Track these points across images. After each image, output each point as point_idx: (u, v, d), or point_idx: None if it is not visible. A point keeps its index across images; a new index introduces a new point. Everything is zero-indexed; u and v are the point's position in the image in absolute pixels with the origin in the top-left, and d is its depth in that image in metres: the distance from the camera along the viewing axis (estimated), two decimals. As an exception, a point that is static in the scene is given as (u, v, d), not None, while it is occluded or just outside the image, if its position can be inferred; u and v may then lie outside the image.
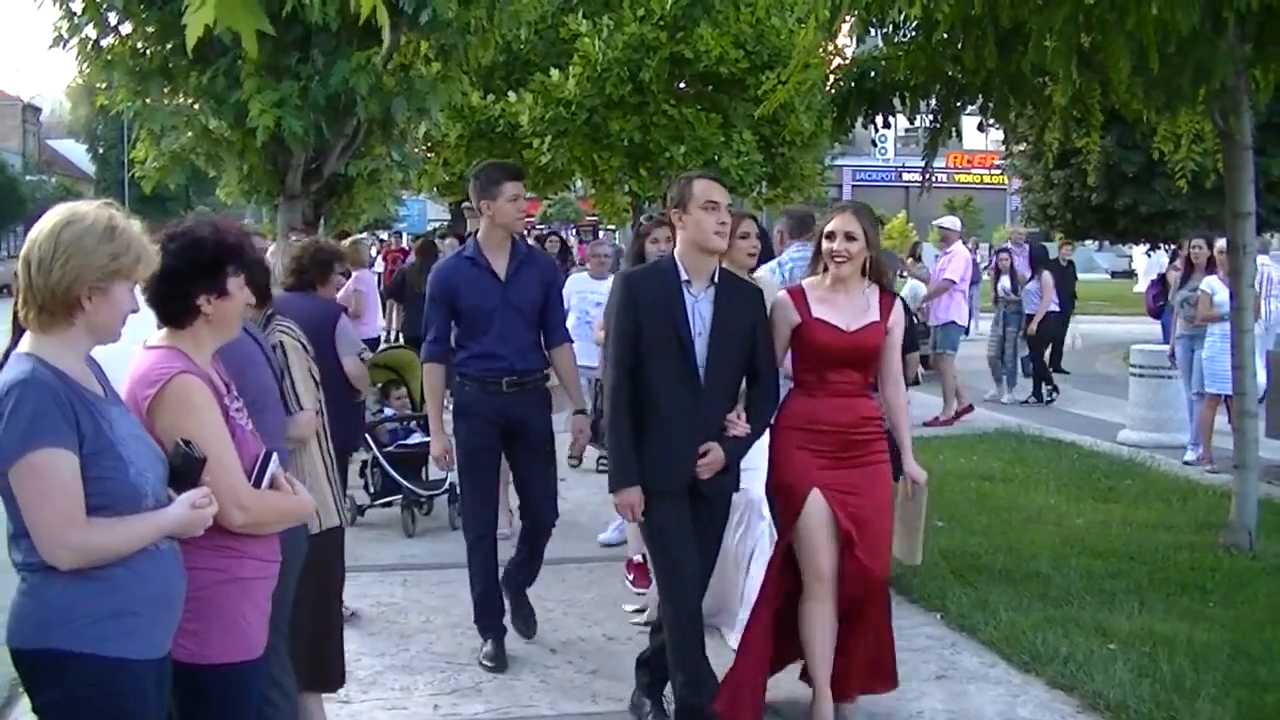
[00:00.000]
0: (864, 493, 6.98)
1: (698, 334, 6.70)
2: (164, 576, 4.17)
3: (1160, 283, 23.32)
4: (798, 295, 7.13)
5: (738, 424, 6.79)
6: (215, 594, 4.50)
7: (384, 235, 51.15)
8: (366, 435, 11.78)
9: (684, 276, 6.75)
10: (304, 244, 9.18)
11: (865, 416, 7.06)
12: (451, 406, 8.57)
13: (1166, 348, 17.09)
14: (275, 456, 4.67)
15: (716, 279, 6.81)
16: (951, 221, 21.59)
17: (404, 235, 53.01)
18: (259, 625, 4.73)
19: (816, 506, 6.94)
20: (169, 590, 4.21)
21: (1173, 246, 30.00)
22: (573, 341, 8.88)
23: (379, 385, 12.78)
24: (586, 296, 13.52)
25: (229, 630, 4.58)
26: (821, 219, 7.33)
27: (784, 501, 7.19)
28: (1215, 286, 14.19)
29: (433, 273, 8.58)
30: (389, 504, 12.16)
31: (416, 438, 12.46)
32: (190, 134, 16.29)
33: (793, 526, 7.06)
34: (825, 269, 7.13)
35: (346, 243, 17.21)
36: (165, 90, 15.81)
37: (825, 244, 7.09)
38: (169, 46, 14.66)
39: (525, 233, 41.06)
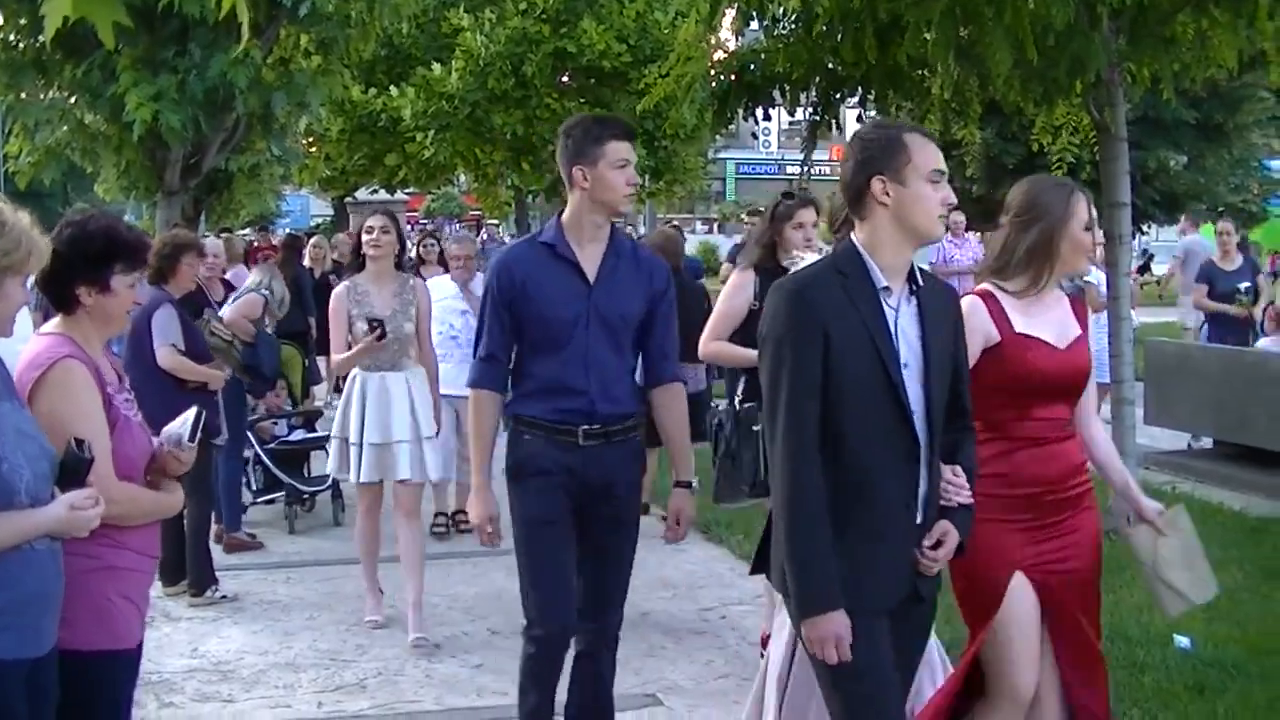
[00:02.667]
0: (1077, 566, 5.35)
1: (904, 365, 4.53)
2: (37, 576, 4.10)
3: None
4: (991, 301, 5.32)
5: (959, 486, 4.69)
6: (88, 581, 4.45)
7: (260, 233, 50.74)
8: (248, 432, 11.69)
9: (880, 280, 4.52)
10: (160, 238, 9.61)
11: (1077, 464, 5.40)
12: (506, 460, 6.10)
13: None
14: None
15: (918, 279, 4.64)
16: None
17: (281, 231, 52.59)
18: (131, 617, 4.70)
19: (1021, 599, 5.25)
20: (43, 590, 4.14)
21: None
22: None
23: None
24: (448, 305, 11.46)
25: (100, 618, 4.54)
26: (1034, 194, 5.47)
27: (974, 593, 5.34)
28: (1100, 277, 14.34)
29: (495, 261, 6.23)
30: (271, 501, 12.06)
31: (299, 434, 12.37)
32: (65, 128, 16.10)
33: (987, 627, 5.27)
34: (1020, 263, 5.39)
35: (222, 238, 17.05)
36: (39, 83, 15.61)
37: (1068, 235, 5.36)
38: (42, 39, 14.43)
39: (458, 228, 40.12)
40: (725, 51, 12.92)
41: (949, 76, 10.52)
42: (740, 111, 12.41)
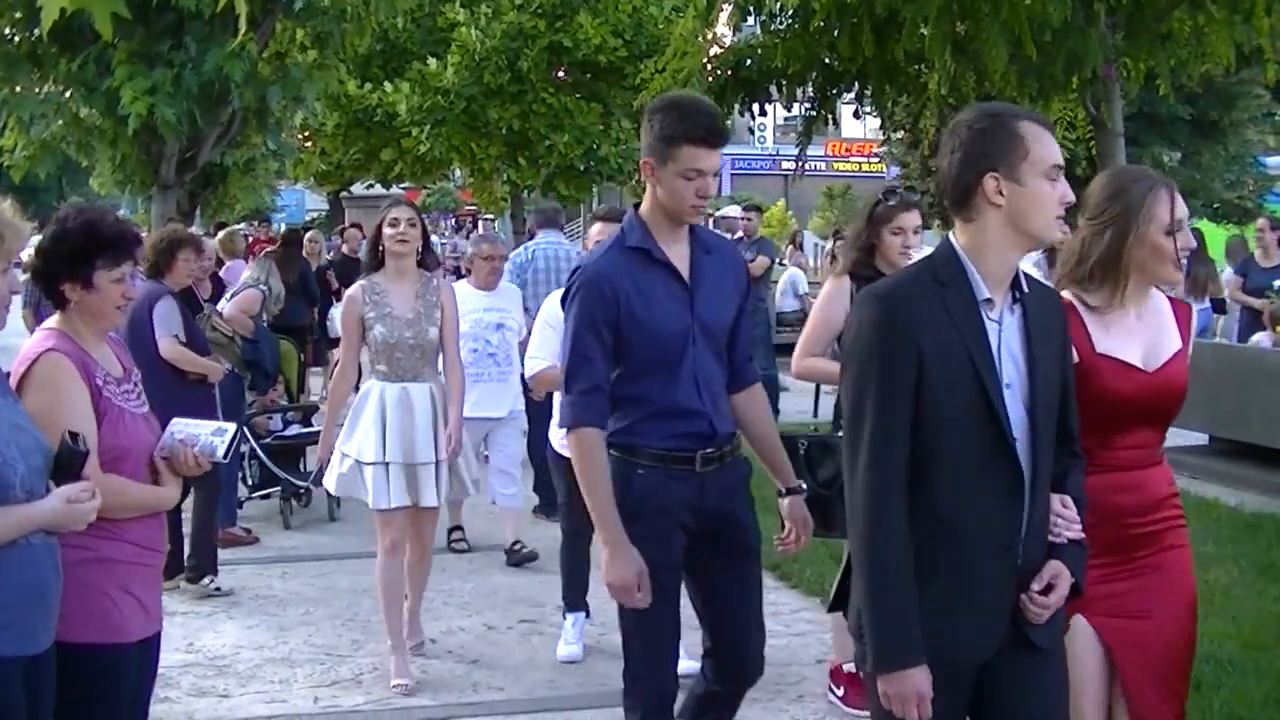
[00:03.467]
0: (1156, 611, 4.69)
1: (1006, 386, 3.97)
2: (32, 571, 4.07)
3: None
4: (1072, 314, 4.56)
5: (1070, 519, 4.12)
6: (80, 572, 4.43)
7: (262, 226, 50.74)
8: (244, 427, 11.66)
9: (983, 291, 3.94)
10: (157, 233, 9.41)
11: (1165, 495, 4.77)
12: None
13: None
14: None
15: (1023, 286, 4.05)
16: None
17: (280, 226, 52.59)
18: (129, 610, 4.68)
19: (1083, 647, 4.63)
20: (39, 585, 4.12)
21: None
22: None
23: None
24: (481, 319, 10.25)
25: (90, 610, 4.53)
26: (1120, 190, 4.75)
27: None
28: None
29: (584, 277, 5.20)
30: (267, 496, 12.04)
31: (295, 429, 12.36)
32: (60, 122, 16.06)
33: None
34: (1094, 273, 4.73)
35: (222, 234, 17.05)
36: (34, 77, 15.58)
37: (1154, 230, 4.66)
38: (36, 33, 14.40)
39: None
40: (721, 47, 12.94)
41: (946, 72, 10.56)
42: (736, 107, 12.43)
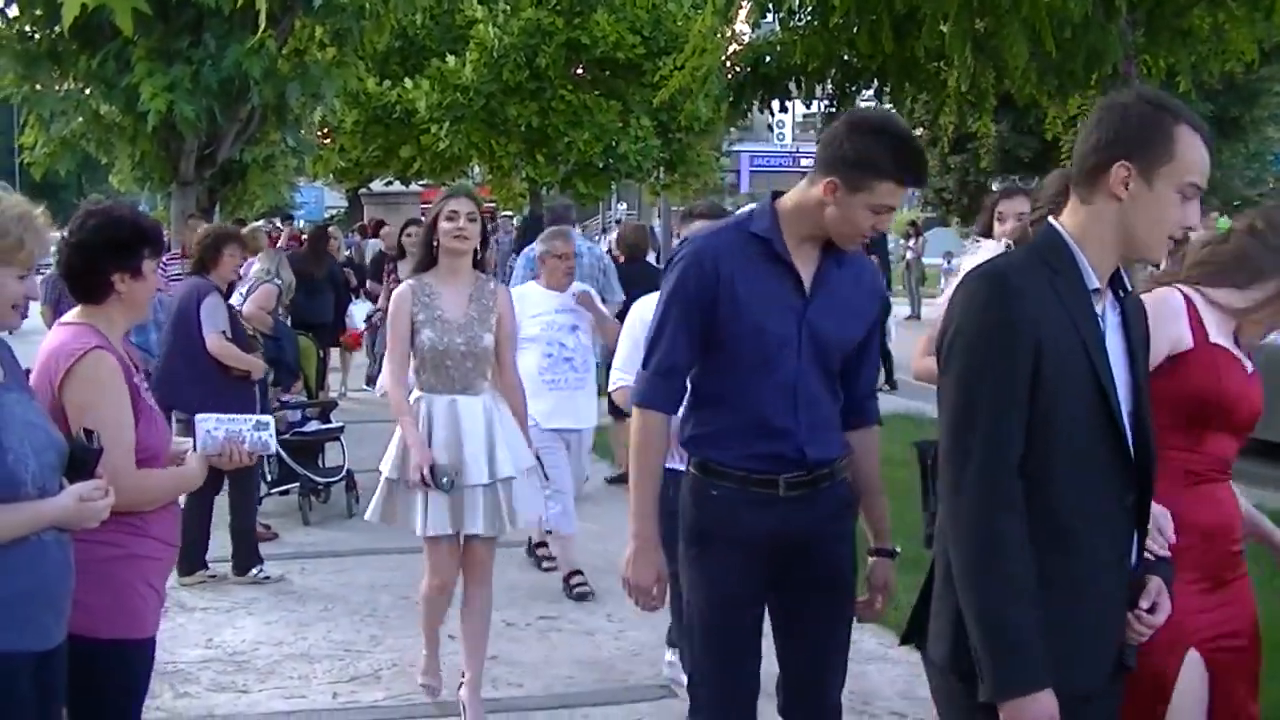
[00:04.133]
0: (1241, 637, 4.47)
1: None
2: (43, 568, 4.04)
3: None
4: (1187, 305, 4.31)
5: (1165, 531, 3.88)
6: (111, 569, 4.45)
7: (286, 223, 50.74)
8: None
9: (1092, 279, 3.56)
10: (202, 229, 9.93)
11: (1236, 514, 4.51)
12: (684, 521, 4.77)
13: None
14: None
15: (1125, 284, 3.74)
16: None
17: (299, 223, 52.64)
18: (152, 605, 4.72)
19: (1195, 686, 4.26)
20: (50, 582, 4.08)
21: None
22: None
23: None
24: (553, 321, 9.41)
25: (121, 606, 4.55)
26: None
27: (1133, 679, 3.93)
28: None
29: (690, 249, 4.73)
30: (285, 492, 12.05)
31: (313, 425, 12.37)
32: (80, 119, 16.13)
33: (1154, 711, 4.21)
34: (1257, 306, 4.39)
35: (244, 231, 17.09)
36: (54, 75, 15.63)
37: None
38: (57, 30, 14.45)
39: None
40: (740, 43, 12.93)
41: (965, 69, 10.54)
42: (756, 104, 12.42)
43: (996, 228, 6.62)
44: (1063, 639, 3.49)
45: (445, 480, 6.74)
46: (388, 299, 9.98)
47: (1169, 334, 4.18)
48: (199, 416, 4.92)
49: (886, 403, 18.38)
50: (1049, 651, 3.44)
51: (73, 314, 4.75)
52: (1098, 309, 3.59)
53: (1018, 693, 3.43)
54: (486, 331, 6.95)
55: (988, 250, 5.75)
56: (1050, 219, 3.67)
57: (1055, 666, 3.44)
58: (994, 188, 7.38)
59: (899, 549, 5.02)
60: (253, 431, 4.91)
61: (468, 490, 6.84)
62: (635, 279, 12.20)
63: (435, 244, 6.98)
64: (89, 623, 4.35)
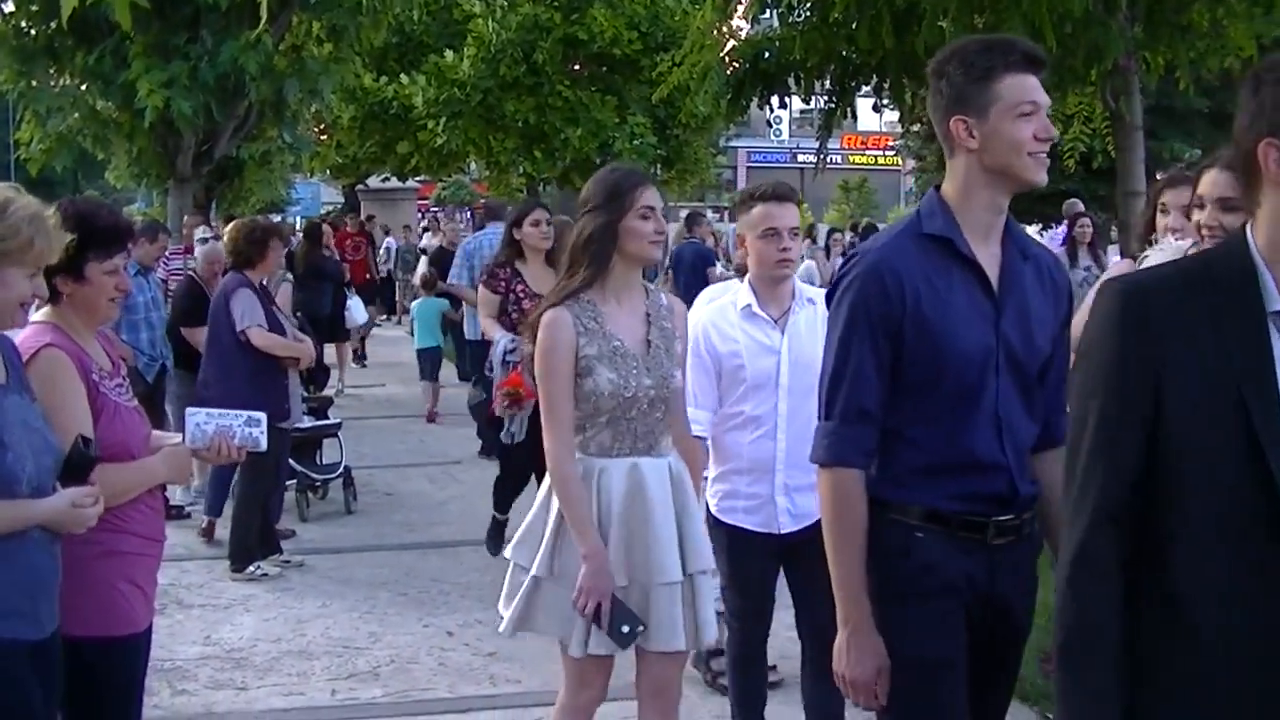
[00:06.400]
0: None
1: None
2: (33, 560, 4.08)
3: None
4: None
5: None
6: (91, 567, 4.44)
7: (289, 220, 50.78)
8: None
9: (1275, 300, 2.80)
10: (247, 225, 10.06)
11: None
12: (874, 576, 3.91)
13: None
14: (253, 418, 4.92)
15: None
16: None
17: (297, 219, 52.61)
18: (138, 601, 4.69)
19: None
20: (40, 574, 4.12)
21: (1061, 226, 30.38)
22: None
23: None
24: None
25: (104, 605, 4.53)
26: None
27: None
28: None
29: (867, 265, 3.88)
30: (284, 489, 12.03)
31: (309, 421, 12.35)
32: (77, 115, 16.12)
33: None
34: None
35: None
36: (51, 70, 15.62)
37: None
38: (54, 26, 14.44)
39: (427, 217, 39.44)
40: (738, 39, 12.91)
41: (965, 64, 10.53)
42: (755, 100, 12.41)
43: (1160, 221, 5.76)
44: None
45: (626, 630, 4.89)
46: (502, 319, 9.00)
47: None
48: (189, 410, 4.91)
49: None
50: None
51: (41, 312, 4.69)
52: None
53: None
54: (676, 368, 5.19)
55: (1165, 252, 4.97)
56: (1246, 226, 2.88)
57: None
58: (1158, 175, 7.00)
59: None
60: (243, 427, 4.87)
61: (661, 590, 5.00)
62: None
63: (611, 249, 5.06)
64: (72, 622, 4.35)
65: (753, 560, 5.83)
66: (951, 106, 3.79)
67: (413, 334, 17.92)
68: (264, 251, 9.70)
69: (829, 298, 3.99)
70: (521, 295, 8.86)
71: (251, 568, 9.64)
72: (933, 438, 3.84)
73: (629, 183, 5.11)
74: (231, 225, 10.39)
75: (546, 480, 5.09)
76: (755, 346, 5.73)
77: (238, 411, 4.96)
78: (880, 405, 3.83)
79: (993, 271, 3.86)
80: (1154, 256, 4.96)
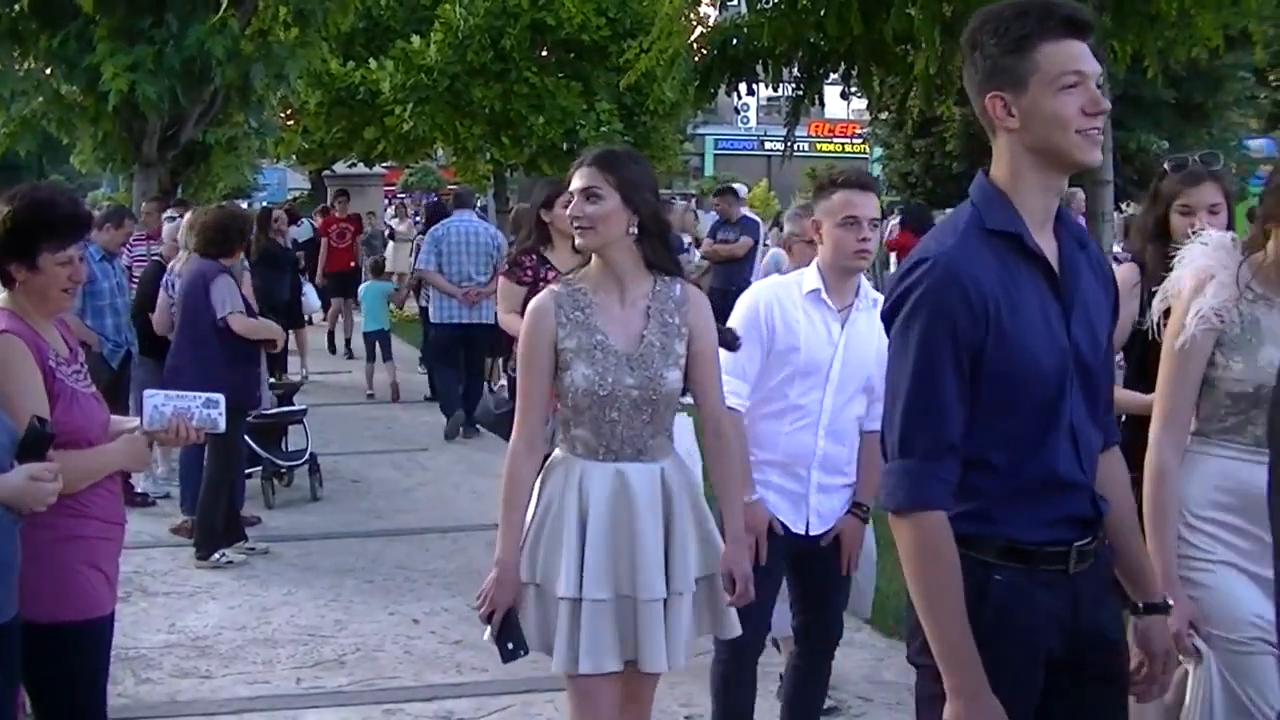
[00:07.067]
0: None
1: None
2: None
3: None
4: None
5: None
6: (51, 552, 4.43)
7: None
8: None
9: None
10: (209, 212, 10.28)
11: None
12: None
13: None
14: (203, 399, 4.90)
15: None
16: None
17: (261, 205, 52.41)
18: (100, 585, 4.68)
19: None
20: (2, 557, 4.11)
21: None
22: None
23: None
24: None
25: (65, 589, 4.52)
26: None
27: None
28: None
29: (925, 269, 3.37)
30: (249, 475, 11.99)
31: (275, 407, 12.32)
32: (41, 99, 16.02)
33: None
34: None
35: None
36: (14, 54, 15.51)
37: None
38: (17, 8, 14.35)
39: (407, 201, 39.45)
40: (706, 26, 12.91)
41: (934, 52, 10.51)
42: (722, 86, 12.41)
43: (1178, 221, 5.47)
44: None
45: (510, 647, 4.68)
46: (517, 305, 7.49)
47: None
48: (147, 392, 4.93)
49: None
50: None
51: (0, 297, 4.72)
52: None
53: None
54: (672, 367, 4.74)
55: (1207, 245, 4.55)
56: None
57: None
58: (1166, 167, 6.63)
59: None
60: (201, 409, 4.85)
61: (645, 606, 4.67)
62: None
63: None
64: (35, 608, 4.33)
65: (770, 556, 5.40)
66: (986, 82, 3.37)
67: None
68: (243, 239, 9.88)
69: (891, 312, 3.45)
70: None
71: (217, 555, 9.60)
72: (1011, 461, 3.39)
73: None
74: (201, 211, 10.40)
75: (537, 485, 4.79)
76: (814, 333, 5.47)
77: (195, 393, 4.95)
78: (962, 433, 3.35)
79: (1053, 256, 3.45)
80: (1194, 251, 4.51)
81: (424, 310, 16.65)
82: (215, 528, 9.74)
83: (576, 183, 4.68)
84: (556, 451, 4.83)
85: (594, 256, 4.75)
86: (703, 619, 4.91)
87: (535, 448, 4.76)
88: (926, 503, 3.30)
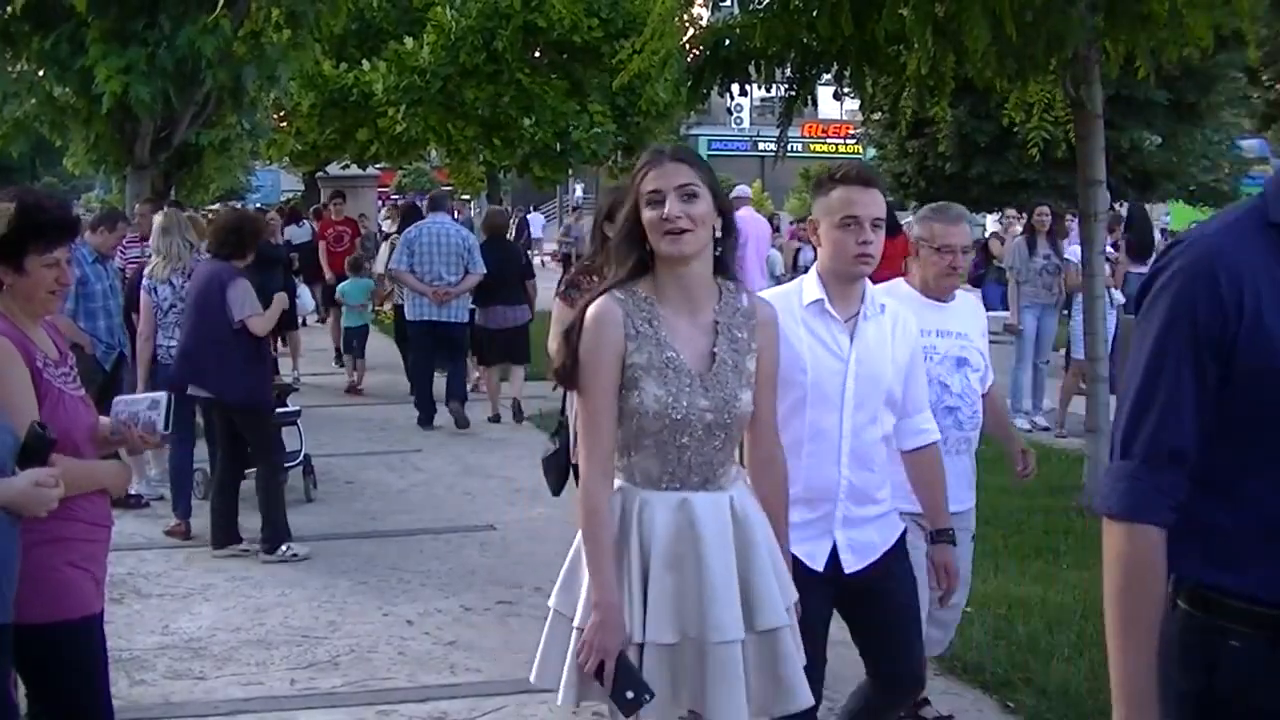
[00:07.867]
0: None
1: None
2: None
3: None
4: None
5: None
6: (36, 554, 4.43)
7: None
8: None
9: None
10: (235, 216, 10.81)
11: None
12: (1173, 687, 2.95)
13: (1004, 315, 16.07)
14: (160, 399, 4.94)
15: None
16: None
17: (256, 207, 52.47)
18: (87, 585, 4.70)
19: None
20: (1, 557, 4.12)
21: (1020, 215, 30.44)
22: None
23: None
24: (932, 346, 6.05)
25: (51, 591, 4.54)
26: None
27: None
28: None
29: (1178, 254, 2.95)
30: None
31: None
32: (34, 101, 15.98)
33: None
34: None
35: (187, 215, 17.08)
36: (7, 56, 15.49)
37: None
38: (9, 10, 14.33)
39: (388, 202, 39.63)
40: (699, 27, 12.88)
41: (926, 53, 10.48)
42: (715, 87, 12.39)
43: None
44: None
45: (630, 696, 4.10)
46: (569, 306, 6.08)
47: None
48: (116, 399, 4.97)
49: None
50: None
51: None
52: None
53: None
54: (745, 387, 4.31)
55: None
56: None
57: None
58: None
59: None
60: (145, 411, 4.90)
61: (717, 649, 4.17)
62: (492, 254, 15.46)
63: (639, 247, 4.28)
64: (28, 611, 4.34)
65: (808, 599, 4.63)
66: None
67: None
68: (255, 240, 10.11)
69: (1140, 293, 3.02)
70: None
71: (284, 548, 9.83)
72: (1264, 494, 2.84)
73: (639, 166, 4.31)
74: (215, 214, 10.73)
75: None
76: (820, 349, 4.90)
77: (147, 395, 5.06)
78: (1196, 443, 2.89)
79: None
80: None
81: (399, 308, 16.90)
82: (280, 524, 9.92)
83: (666, 181, 4.15)
84: (617, 482, 4.31)
85: (663, 261, 4.21)
86: (764, 689, 4.29)
87: (610, 473, 4.26)
88: (1143, 515, 2.90)
